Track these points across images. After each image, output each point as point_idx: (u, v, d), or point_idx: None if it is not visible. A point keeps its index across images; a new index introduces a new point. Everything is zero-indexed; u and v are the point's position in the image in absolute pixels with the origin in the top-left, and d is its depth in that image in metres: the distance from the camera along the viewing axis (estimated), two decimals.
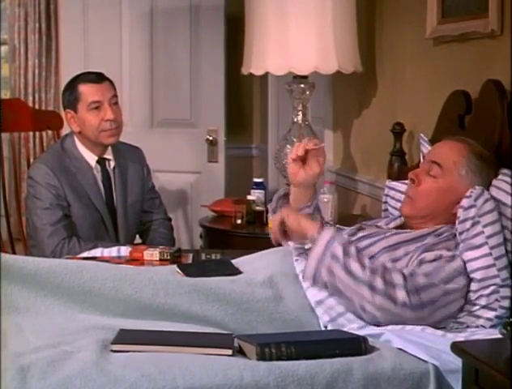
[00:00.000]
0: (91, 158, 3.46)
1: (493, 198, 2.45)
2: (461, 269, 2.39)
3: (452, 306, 2.37)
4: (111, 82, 3.49)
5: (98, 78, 3.45)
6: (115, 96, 3.47)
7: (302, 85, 3.80)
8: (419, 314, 2.31)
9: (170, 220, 3.78)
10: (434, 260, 2.38)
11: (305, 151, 2.69)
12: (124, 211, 3.51)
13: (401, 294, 2.30)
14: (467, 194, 2.43)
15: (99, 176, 3.47)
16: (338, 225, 2.54)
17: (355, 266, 2.33)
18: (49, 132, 4.26)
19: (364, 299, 2.31)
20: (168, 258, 2.89)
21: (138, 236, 3.71)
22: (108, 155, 3.50)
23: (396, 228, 2.70)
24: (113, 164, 3.51)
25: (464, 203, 2.43)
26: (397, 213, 2.85)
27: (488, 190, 2.49)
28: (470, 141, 2.63)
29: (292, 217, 2.51)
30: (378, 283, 2.30)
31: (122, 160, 3.54)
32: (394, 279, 2.30)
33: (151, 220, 3.67)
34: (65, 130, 4.03)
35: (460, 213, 2.44)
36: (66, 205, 3.36)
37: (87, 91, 3.41)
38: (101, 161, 3.48)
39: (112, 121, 3.41)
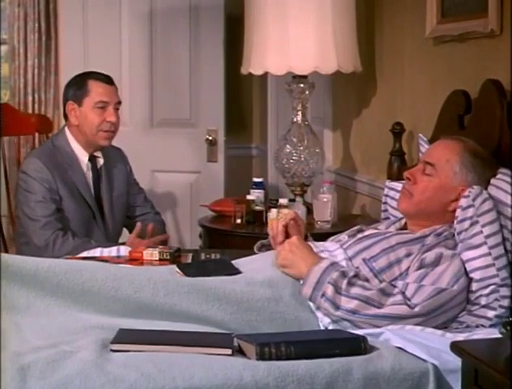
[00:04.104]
0: (83, 155, 3.49)
1: (492, 197, 2.45)
2: (462, 269, 2.39)
3: (456, 309, 2.38)
4: (117, 88, 3.54)
5: (108, 80, 3.50)
6: (119, 102, 3.52)
7: (302, 85, 3.80)
8: (422, 319, 2.32)
9: (159, 213, 3.79)
10: (436, 264, 2.39)
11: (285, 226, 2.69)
12: (110, 205, 3.55)
13: (408, 312, 2.31)
14: (465, 193, 2.44)
15: (89, 173, 3.51)
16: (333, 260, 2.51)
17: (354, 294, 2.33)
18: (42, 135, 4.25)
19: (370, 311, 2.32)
20: (168, 257, 2.89)
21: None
22: (98, 153, 3.54)
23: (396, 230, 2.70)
24: (101, 161, 3.55)
25: (462, 202, 2.43)
26: (397, 214, 2.85)
27: (484, 186, 2.50)
28: (464, 139, 2.64)
29: (288, 249, 2.49)
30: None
31: (108, 160, 3.59)
32: (397, 311, 2.31)
33: (141, 215, 3.69)
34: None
35: (458, 213, 2.44)
36: (59, 199, 3.39)
37: (97, 89, 3.45)
38: (92, 159, 3.52)
39: (112, 123, 3.45)
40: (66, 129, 3.51)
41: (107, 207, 3.54)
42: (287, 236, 2.69)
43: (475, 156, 2.57)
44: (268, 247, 2.80)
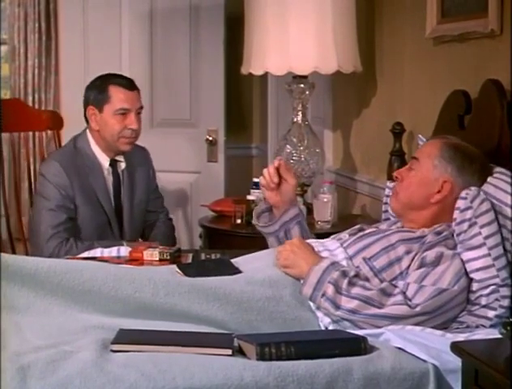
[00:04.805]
0: (104, 159, 3.44)
1: (491, 196, 2.46)
2: (463, 269, 2.40)
3: (457, 309, 2.38)
4: (139, 91, 3.47)
5: (131, 85, 3.42)
6: (141, 107, 3.45)
7: (302, 85, 3.80)
8: (423, 318, 2.33)
9: (171, 219, 3.78)
10: (437, 264, 2.39)
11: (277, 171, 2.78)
12: (130, 211, 3.50)
13: (408, 312, 2.32)
14: (463, 195, 2.45)
15: (109, 178, 3.45)
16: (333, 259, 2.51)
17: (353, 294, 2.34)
18: (49, 132, 4.25)
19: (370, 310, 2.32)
20: (168, 258, 2.89)
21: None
22: (120, 157, 3.48)
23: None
24: (123, 165, 3.49)
25: (460, 204, 2.44)
26: None
27: (469, 180, 2.53)
28: (451, 137, 2.69)
29: (290, 249, 2.50)
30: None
31: (131, 162, 3.52)
32: (397, 311, 2.31)
33: (155, 219, 3.67)
34: (65, 130, 4.02)
35: (457, 215, 2.45)
36: (73, 207, 3.34)
37: (119, 96, 3.38)
38: (113, 163, 3.46)
39: (134, 130, 3.40)
40: (88, 131, 3.45)
41: (126, 214, 3.48)
42: (280, 180, 2.77)
43: (456, 150, 2.60)
44: (268, 212, 2.84)
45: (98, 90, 3.41)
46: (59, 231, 3.29)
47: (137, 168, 3.56)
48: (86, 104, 3.44)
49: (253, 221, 2.90)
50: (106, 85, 3.40)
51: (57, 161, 3.37)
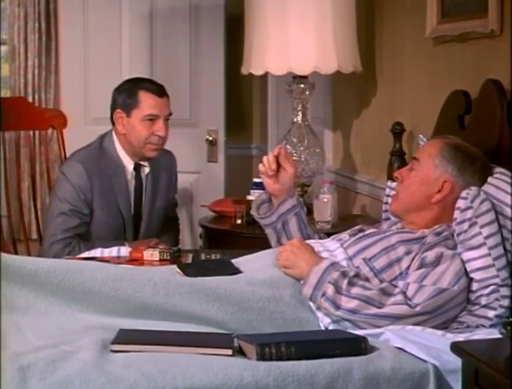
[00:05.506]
0: (129, 162, 3.40)
1: (492, 196, 2.46)
2: (463, 269, 2.40)
3: (457, 309, 2.38)
4: (168, 98, 3.42)
5: (161, 91, 3.37)
6: (170, 113, 3.40)
7: (302, 85, 3.80)
8: (423, 318, 2.33)
9: (179, 224, 3.80)
10: (437, 264, 2.39)
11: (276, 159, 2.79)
12: (148, 217, 3.47)
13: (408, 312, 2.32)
14: (463, 195, 2.45)
15: (132, 182, 3.41)
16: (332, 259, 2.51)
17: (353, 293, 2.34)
18: (49, 132, 4.24)
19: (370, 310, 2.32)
20: (168, 258, 2.89)
21: None
22: (144, 161, 3.44)
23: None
24: (147, 170, 3.45)
25: (461, 204, 2.44)
26: None
27: (469, 179, 2.54)
28: (452, 137, 2.69)
29: (290, 249, 2.50)
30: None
31: (156, 166, 3.48)
32: (397, 311, 2.31)
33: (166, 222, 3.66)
34: (68, 129, 4.01)
35: (457, 215, 2.45)
36: (87, 212, 3.31)
37: (148, 102, 3.34)
38: (137, 167, 3.42)
39: (161, 137, 3.36)
40: (114, 133, 3.41)
41: (144, 220, 3.46)
42: (278, 168, 2.77)
43: (456, 150, 2.60)
44: (268, 203, 2.83)
45: (127, 94, 3.37)
46: (67, 236, 3.27)
47: (161, 174, 3.52)
48: (113, 106, 3.40)
49: (252, 211, 2.90)
50: (136, 90, 3.36)
51: (81, 163, 3.32)
